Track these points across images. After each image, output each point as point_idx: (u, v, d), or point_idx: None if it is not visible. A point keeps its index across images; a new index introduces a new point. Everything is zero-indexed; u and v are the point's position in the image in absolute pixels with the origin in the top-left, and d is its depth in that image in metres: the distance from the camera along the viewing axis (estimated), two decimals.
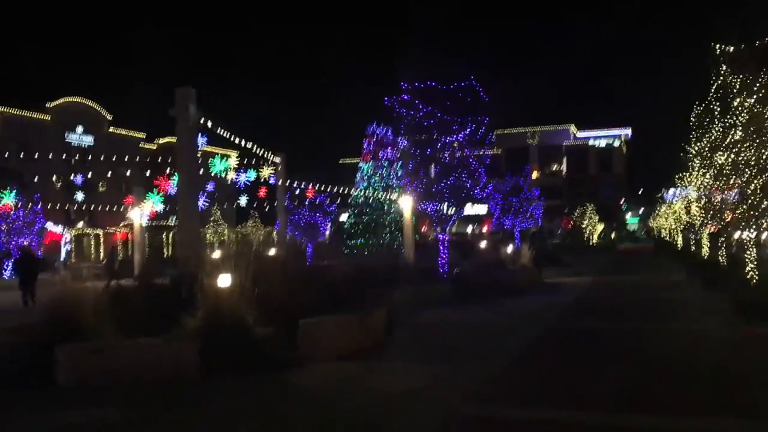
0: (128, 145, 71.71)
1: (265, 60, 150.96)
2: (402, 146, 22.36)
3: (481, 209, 62.53)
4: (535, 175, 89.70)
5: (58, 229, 54.16)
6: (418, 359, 10.42)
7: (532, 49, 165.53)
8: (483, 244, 38.37)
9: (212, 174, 21.56)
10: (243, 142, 23.82)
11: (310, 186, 29.82)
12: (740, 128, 12.70)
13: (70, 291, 10.30)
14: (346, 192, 42.14)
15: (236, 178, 24.51)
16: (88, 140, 73.21)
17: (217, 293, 9.74)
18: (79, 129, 73.23)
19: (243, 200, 34.76)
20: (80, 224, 67.27)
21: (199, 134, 17.72)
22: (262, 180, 29.61)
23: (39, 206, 44.20)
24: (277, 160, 33.40)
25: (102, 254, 48.57)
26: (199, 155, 16.78)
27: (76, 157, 67.38)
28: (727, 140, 14.58)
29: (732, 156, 14.50)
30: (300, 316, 10.62)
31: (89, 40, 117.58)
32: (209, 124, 17.40)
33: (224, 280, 10.15)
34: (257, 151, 26.95)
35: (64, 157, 61.54)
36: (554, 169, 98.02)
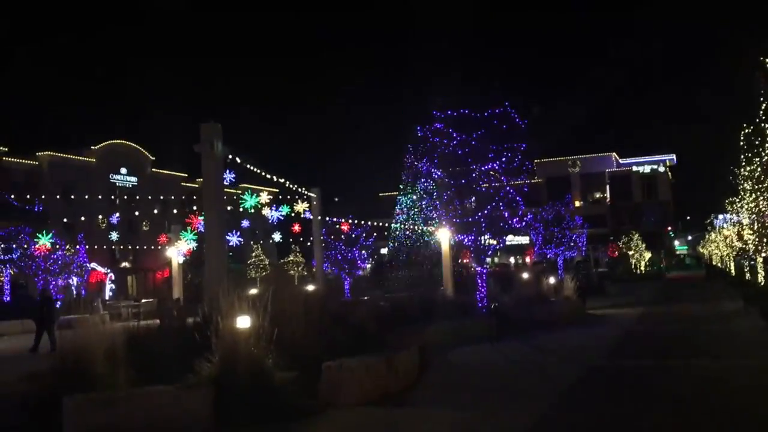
0: (170, 184, 72.76)
1: (296, 94, 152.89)
2: (436, 177, 21.71)
3: (523, 239, 61.28)
4: (577, 203, 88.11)
5: (102, 269, 54.96)
6: (450, 405, 9.62)
7: (571, 75, 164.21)
8: (525, 275, 37.33)
9: (244, 210, 21.27)
10: (275, 178, 23.58)
11: (344, 220, 29.31)
12: None
13: (86, 334, 9.85)
14: (385, 225, 41.75)
15: (269, 214, 24.19)
16: (132, 181, 74.66)
17: (234, 336, 9.17)
18: (123, 170, 74.76)
19: (277, 236, 34.49)
20: (124, 264, 68.33)
21: (227, 170, 17.47)
22: (297, 215, 29.34)
23: (82, 246, 44.91)
24: (313, 194, 33.24)
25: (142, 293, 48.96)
26: (229, 192, 16.53)
27: (122, 198, 68.49)
28: None
29: None
30: (324, 358, 10.00)
31: (120, 82, 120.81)
32: (237, 159, 17.12)
33: (243, 321, 9.60)
34: (291, 186, 26.71)
35: (111, 198, 62.77)
36: (597, 197, 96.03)
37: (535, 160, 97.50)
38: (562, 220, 39.51)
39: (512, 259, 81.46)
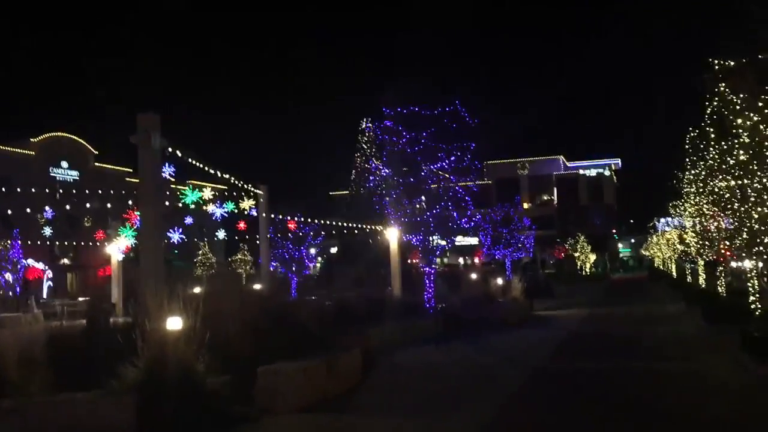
0: (113, 179, 70.58)
1: (244, 89, 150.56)
2: (385, 174, 21.31)
3: (473, 240, 61.59)
4: (526, 205, 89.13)
5: (39, 265, 52.81)
6: (393, 410, 9.22)
7: (520, 77, 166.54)
8: (473, 276, 37.32)
9: (186, 205, 20.44)
10: (219, 173, 22.81)
11: (290, 218, 28.70)
12: (741, 150, 11.70)
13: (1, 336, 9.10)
14: (336, 224, 41.18)
15: (213, 211, 23.33)
16: (74, 175, 72.17)
17: (162, 338, 8.56)
18: (64, 164, 72.23)
19: (221, 234, 33.57)
20: (64, 260, 65.92)
21: (167, 164, 16.72)
22: (243, 212, 28.55)
23: (16, 242, 42.94)
24: (260, 191, 32.48)
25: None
26: (172, 186, 15.78)
27: (63, 192, 66.03)
28: (726, 164, 13.59)
29: (732, 181, 13.53)
30: (261, 361, 9.47)
31: (64, 72, 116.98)
32: (178, 153, 16.36)
33: (174, 323, 8.99)
34: (237, 183, 25.94)
35: (50, 192, 60.23)
36: (545, 199, 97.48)
37: (485, 162, 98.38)
38: (511, 221, 39.68)
39: (461, 260, 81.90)
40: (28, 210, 50.82)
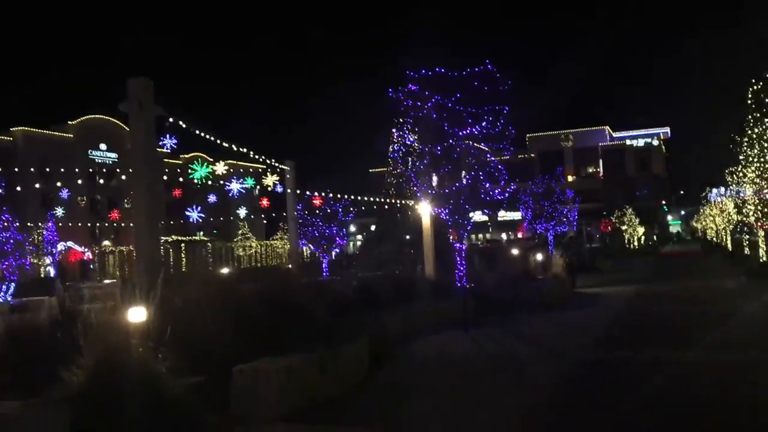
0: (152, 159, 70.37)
1: (274, 70, 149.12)
2: (410, 143, 19.57)
3: (516, 215, 59.49)
4: (570, 178, 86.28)
5: (79, 248, 52.88)
6: (398, 421, 7.60)
7: (564, 47, 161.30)
8: (512, 252, 35.40)
9: (195, 181, 19.14)
10: (236, 147, 21.42)
11: (317, 194, 27.25)
12: None
13: None
14: (368, 200, 39.64)
15: (228, 186, 21.95)
16: (112, 157, 72.22)
17: (115, 333, 7.11)
18: (103, 146, 72.31)
19: (242, 212, 32.35)
20: (105, 242, 66.12)
21: (168, 135, 15.39)
22: (267, 188, 27.23)
23: (51, 224, 42.64)
24: (286, 167, 31.10)
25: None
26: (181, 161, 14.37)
27: (102, 174, 65.92)
28: None
29: None
30: (244, 359, 7.97)
31: (97, 53, 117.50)
32: (171, 119, 14.89)
33: (136, 314, 7.54)
34: (258, 158, 24.55)
35: (90, 174, 60.08)
36: (591, 171, 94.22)
37: (528, 135, 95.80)
38: (553, 193, 37.54)
39: (504, 235, 79.89)
40: (67, 192, 50.77)
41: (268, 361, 7.70)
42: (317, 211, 31.98)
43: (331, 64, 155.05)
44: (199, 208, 24.18)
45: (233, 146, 20.81)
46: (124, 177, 54.16)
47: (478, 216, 25.97)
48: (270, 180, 27.77)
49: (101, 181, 59.14)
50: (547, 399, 8.16)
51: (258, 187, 25.76)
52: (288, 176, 31.18)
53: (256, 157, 24.61)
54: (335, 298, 14.75)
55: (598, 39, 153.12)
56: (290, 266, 32.47)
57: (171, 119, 15.60)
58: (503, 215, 79.76)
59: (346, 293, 15.81)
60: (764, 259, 26.02)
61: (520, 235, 71.55)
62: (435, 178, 19.60)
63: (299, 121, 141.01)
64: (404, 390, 9.00)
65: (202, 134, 18.03)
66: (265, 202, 26.76)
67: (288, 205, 31.54)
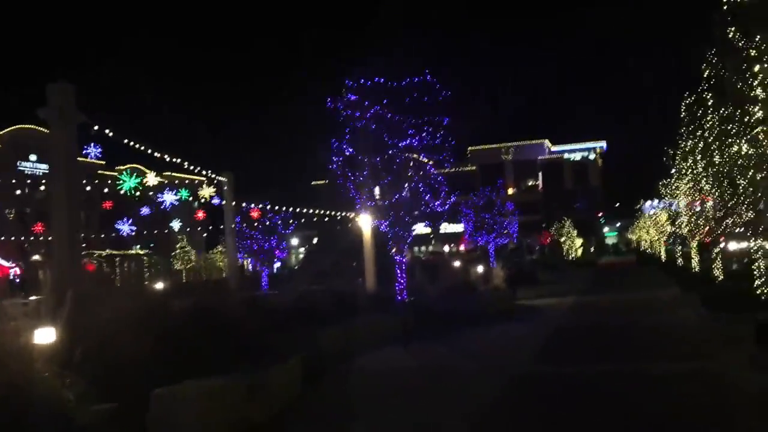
0: (84, 171, 67.88)
1: (220, 77, 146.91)
2: (348, 154, 19.19)
3: (459, 227, 59.76)
4: (511, 191, 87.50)
5: (6, 262, 50.37)
6: None
7: (503, 63, 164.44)
8: (454, 264, 35.36)
9: (122, 192, 18.29)
10: (169, 158, 20.66)
11: (253, 206, 26.60)
12: (758, 106, 9.69)
13: None
14: (307, 212, 39.09)
15: (160, 198, 21.15)
16: (43, 168, 69.40)
17: (16, 358, 6.45)
18: (33, 157, 69.43)
19: (176, 224, 31.36)
20: (35, 257, 63.28)
21: (92, 144, 14.63)
22: (204, 201, 26.45)
23: None
24: (224, 179, 30.31)
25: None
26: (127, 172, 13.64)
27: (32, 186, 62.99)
28: (739, 125, 11.60)
29: (744, 145, 11.56)
30: (164, 382, 7.38)
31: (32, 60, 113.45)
32: (96, 127, 14.13)
33: (44, 335, 6.90)
34: (195, 170, 23.78)
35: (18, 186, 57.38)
36: (530, 184, 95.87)
37: (469, 148, 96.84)
38: (493, 206, 37.79)
39: (446, 247, 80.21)
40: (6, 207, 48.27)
41: (190, 384, 7.13)
42: (256, 224, 31.31)
43: (275, 71, 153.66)
44: (129, 221, 23.18)
45: (166, 157, 20.08)
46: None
47: (420, 228, 25.87)
48: (207, 192, 27.04)
49: (30, 192, 56.71)
50: (487, 419, 7.84)
51: (194, 199, 25.00)
52: (226, 188, 30.42)
53: (191, 168, 23.86)
54: (271, 314, 14.23)
55: (537, 54, 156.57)
56: (228, 281, 31.66)
57: (96, 127, 14.85)
58: (446, 228, 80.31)
59: (283, 308, 15.29)
60: (696, 269, 26.65)
61: (462, 248, 71.94)
62: (376, 190, 19.28)
63: (241, 131, 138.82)
64: (337, 413, 8.54)
65: (132, 144, 17.30)
66: (200, 214, 25.97)
67: (226, 218, 30.75)
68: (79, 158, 14.54)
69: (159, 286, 31.49)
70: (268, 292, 27.00)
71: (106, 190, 21.88)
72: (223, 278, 34.99)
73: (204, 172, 25.82)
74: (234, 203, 30.75)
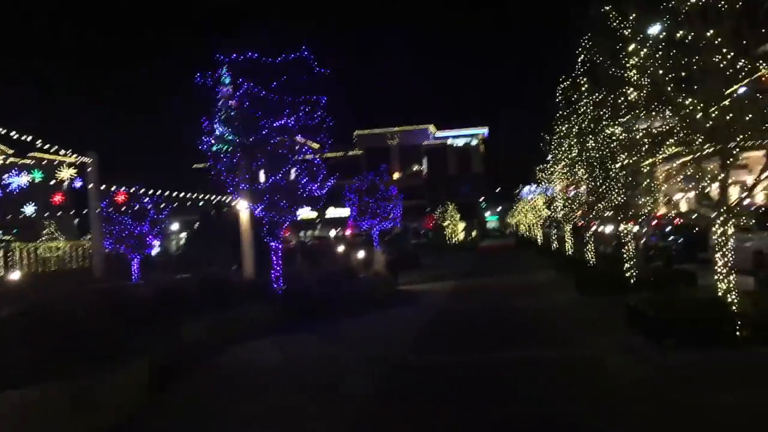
0: None
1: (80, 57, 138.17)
2: (220, 134, 17.98)
3: (345, 211, 59.20)
4: (396, 175, 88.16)
5: None
6: None
7: (390, 48, 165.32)
8: (337, 249, 34.79)
9: None
10: (16, 135, 18.60)
11: (122, 189, 24.73)
12: (632, 89, 9.58)
13: None
14: (182, 197, 37.08)
15: (5, 181, 19.04)
16: None
17: None
18: None
19: (29, 209, 28.80)
20: None
21: None
22: (62, 183, 24.24)
23: None
24: (87, 159, 28.03)
25: None
26: None
27: None
28: (616, 109, 11.58)
29: (617, 128, 11.57)
30: None
31: None
32: None
33: None
34: (45, 148, 21.64)
35: None
36: (415, 169, 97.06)
37: (355, 132, 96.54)
38: (377, 190, 37.44)
39: (332, 232, 79.75)
40: None
41: (2, 397, 5.98)
42: (124, 209, 29.18)
43: (152, 49, 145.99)
44: None
45: (13, 134, 18.09)
46: None
47: (306, 213, 24.92)
48: (66, 173, 24.82)
49: None
50: (358, 415, 7.20)
51: (55, 182, 22.83)
52: (90, 170, 28.14)
53: (47, 147, 21.73)
54: (131, 307, 12.95)
55: (421, 38, 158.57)
56: (94, 269, 29.41)
57: None
58: (332, 212, 79.70)
59: (147, 299, 14.01)
60: (570, 253, 27.46)
61: (348, 232, 71.69)
62: (250, 173, 18.20)
63: (116, 110, 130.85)
64: (187, 419, 7.60)
65: None
66: (58, 198, 23.78)
67: (90, 202, 28.49)
68: None
69: (14, 276, 28.83)
70: (139, 281, 25.25)
71: None
72: (88, 267, 32.59)
73: (62, 152, 23.66)
74: (102, 186, 28.58)
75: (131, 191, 27.57)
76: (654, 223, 28.34)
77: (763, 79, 8.69)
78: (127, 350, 8.97)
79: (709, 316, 8.86)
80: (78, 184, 21.99)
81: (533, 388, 7.85)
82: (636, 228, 20.28)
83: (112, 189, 29.95)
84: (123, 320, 11.12)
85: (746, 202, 9.81)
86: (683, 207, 41.34)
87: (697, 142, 8.97)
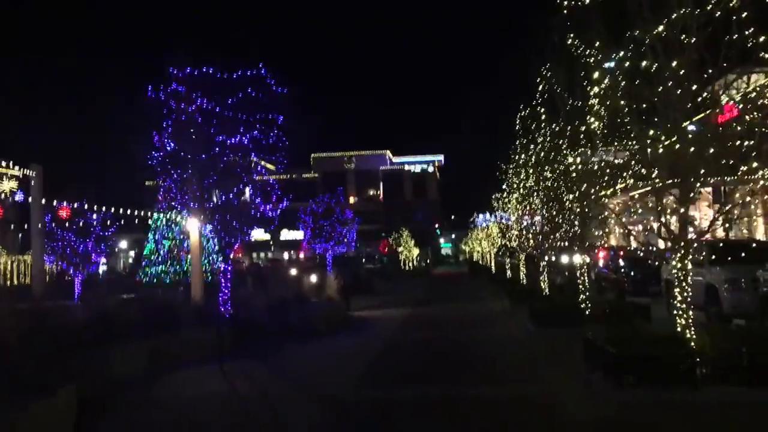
0: None
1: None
2: (170, 150, 17.32)
3: (299, 234, 58.42)
4: (352, 199, 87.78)
5: None
6: None
7: (350, 74, 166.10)
8: (289, 272, 34.02)
9: None
10: None
11: (64, 204, 23.68)
12: (594, 118, 9.38)
13: None
14: (130, 213, 35.93)
15: None
16: None
17: None
18: None
19: None
20: None
21: None
22: (4, 196, 23.12)
23: None
24: (31, 171, 26.84)
25: None
26: None
27: None
28: (574, 139, 11.44)
29: (577, 159, 11.40)
30: None
31: None
32: None
33: None
34: None
35: None
36: (371, 193, 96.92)
37: (312, 155, 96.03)
38: (332, 213, 36.99)
39: (286, 255, 78.73)
40: None
41: None
42: (68, 224, 28.02)
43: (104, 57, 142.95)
44: None
45: None
46: None
47: (260, 234, 24.19)
48: (6, 186, 23.73)
49: None
50: None
51: None
52: (33, 183, 26.94)
53: None
54: (63, 330, 12.13)
55: (381, 63, 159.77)
56: (33, 288, 28.04)
57: None
58: (286, 234, 78.71)
59: (81, 323, 13.16)
60: (524, 282, 27.34)
61: (302, 255, 70.81)
62: (201, 191, 17.55)
63: (66, 123, 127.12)
64: None
65: None
66: None
67: (32, 216, 27.21)
68: None
69: None
70: (79, 301, 24.09)
71: None
72: (26, 285, 31.16)
73: (3, 164, 22.59)
74: (44, 201, 27.37)
75: (74, 206, 26.46)
76: (603, 255, 28.49)
77: (722, 113, 8.62)
78: (54, 379, 8.27)
79: (668, 352, 8.61)
80: (19, 197, 20.79)
81: (488, 427, 7.44)
82: (588, 259, 20.26)
83: (54, 203, 28.79)
84: (54, 345, 10.37)
85: (704, 237, 9.67)
86: (636, 241, 41.90)
87: (654, 175, 8.81)
